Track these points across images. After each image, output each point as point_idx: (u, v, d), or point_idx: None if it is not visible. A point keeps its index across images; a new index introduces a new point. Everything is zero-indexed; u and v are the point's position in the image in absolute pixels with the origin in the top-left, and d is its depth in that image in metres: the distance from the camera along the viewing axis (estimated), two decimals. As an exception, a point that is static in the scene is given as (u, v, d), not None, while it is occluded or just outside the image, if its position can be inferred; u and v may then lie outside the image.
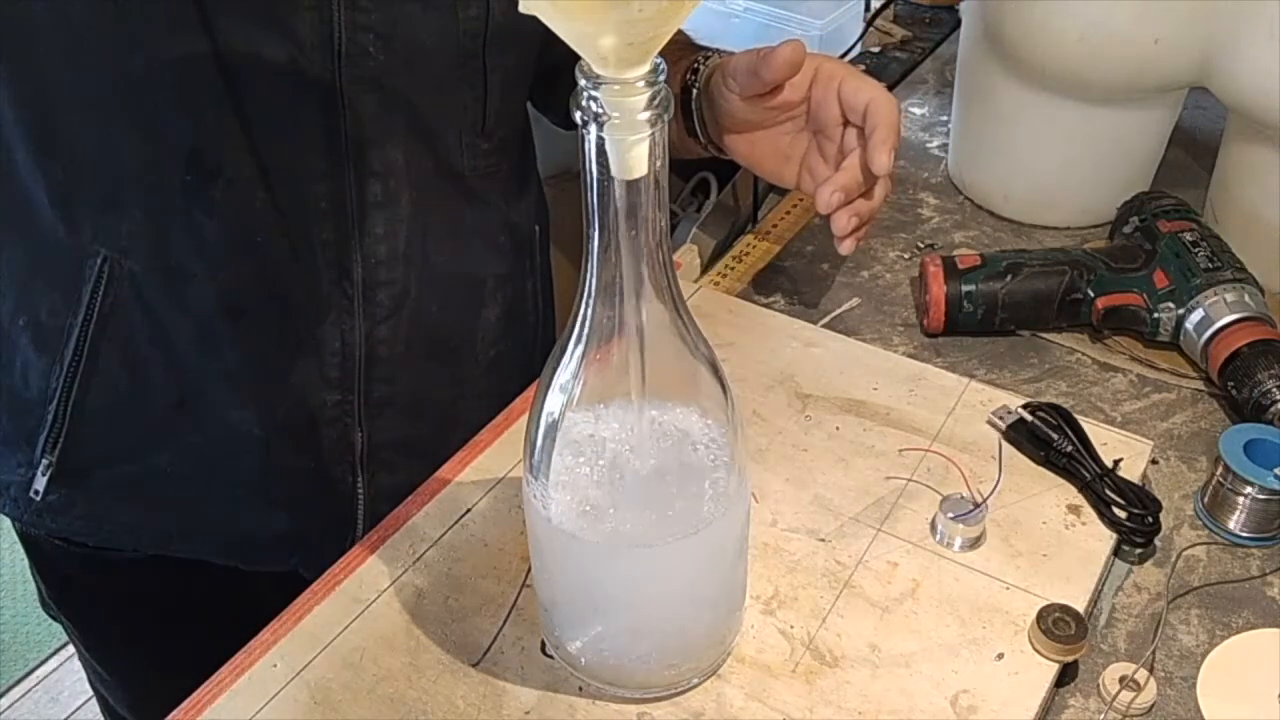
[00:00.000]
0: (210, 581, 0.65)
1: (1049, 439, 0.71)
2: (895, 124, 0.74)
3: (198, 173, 0.67)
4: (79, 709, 1.82)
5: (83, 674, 1.87)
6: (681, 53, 0.83)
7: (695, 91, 0.81)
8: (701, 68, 0.81)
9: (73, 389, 0.71)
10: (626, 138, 0.44)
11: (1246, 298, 0.79)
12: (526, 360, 0.84)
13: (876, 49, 1.33)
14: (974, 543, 0.66)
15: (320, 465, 0.77)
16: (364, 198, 0.70)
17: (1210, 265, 0.81)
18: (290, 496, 0.77)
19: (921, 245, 0.96)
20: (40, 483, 0.74)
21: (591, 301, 0.49)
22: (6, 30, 0.64)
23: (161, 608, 0.65)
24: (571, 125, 0.45)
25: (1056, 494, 0.70)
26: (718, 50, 0.83)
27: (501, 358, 0.83)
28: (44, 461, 0.74)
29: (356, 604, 0.64)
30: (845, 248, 0.76)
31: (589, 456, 0.53)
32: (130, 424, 0.74)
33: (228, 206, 0.68)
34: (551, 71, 0.79)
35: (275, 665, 0.61)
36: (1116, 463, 0.70)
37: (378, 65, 0.67)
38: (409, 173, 0.71)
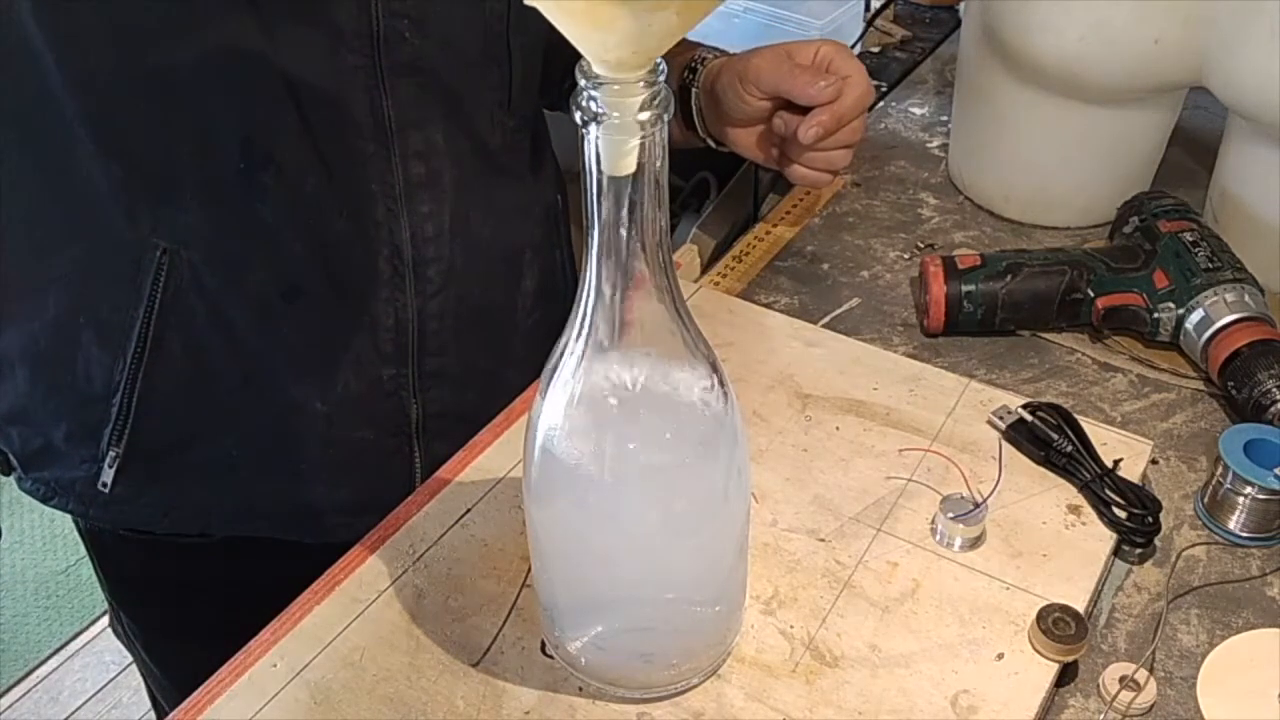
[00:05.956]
0: (273, 564, 0.67)
1: (1049, 439, 0.71)
2: (841, 113, 0.78)
3: (250, 161, 0.69)
4: (79, 709, 1.82)
5: (83, 674, 1.88)
6: (676, 50, 0.84)
7: (695, 91, 0.83)
8: (700, 68, 0.83)
9: (137, 380, 0.73)
10: (625, 137, 0.44)
11: (1246, 298, 0.79)
12: (559, 327, 0.88)
13: (876, 49, 1.33)
14: (974, 543, 0.66)
15: (379, 436, 0.79)
16: (409, 178, 0.72)
17: (1210, 265, 0.81)
18: (351, 468, 0.80)
19: (921, 245, 0.96)
20: (107, 475, 0.76)
21: (591, 301, 0.49)
22: (61, 26, 0.65)
23: (224, 595, 0.67)
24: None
25: (1056, 494, 0.70)
26: (713, 50, 0.84)
27: (538, 325, 0.86)
28: (110, 454, 0.76)
29: (356, 604, 0.64)
30: (806, 135, 0.79)
31: (592, 402, 0.52)
32: (196, 409, 0.76)
33: (280, 193, 0.70)
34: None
35: (275, 665, 0.61)
36: (1116, 463, 0.70)
37: (413, 50, 0.69)
38: (448, 151, 0.74)
